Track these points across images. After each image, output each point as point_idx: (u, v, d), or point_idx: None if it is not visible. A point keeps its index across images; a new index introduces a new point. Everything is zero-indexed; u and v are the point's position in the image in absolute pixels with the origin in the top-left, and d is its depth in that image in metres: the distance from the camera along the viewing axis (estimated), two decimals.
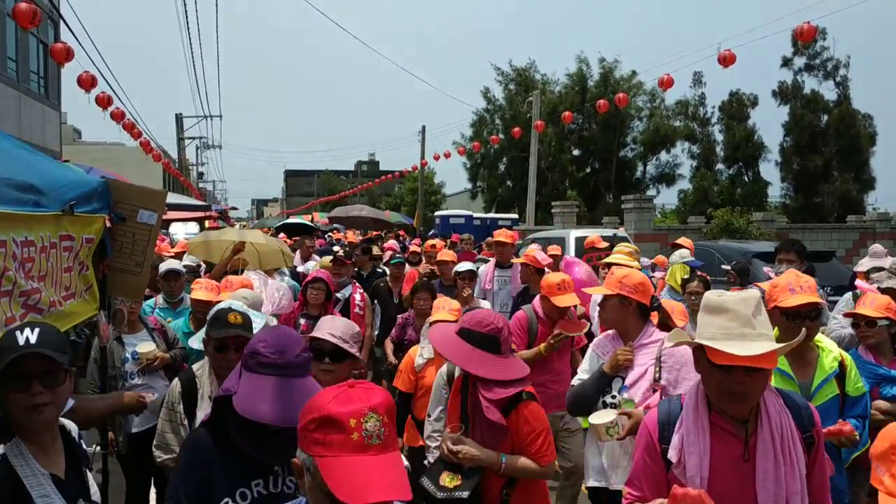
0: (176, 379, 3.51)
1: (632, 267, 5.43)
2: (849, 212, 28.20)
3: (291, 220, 24.36)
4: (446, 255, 8.37)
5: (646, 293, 3.70)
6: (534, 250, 7.02)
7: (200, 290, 5.17)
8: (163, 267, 5.91)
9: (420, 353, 4.86)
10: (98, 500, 2.35)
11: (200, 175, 59.98)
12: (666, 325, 5.03)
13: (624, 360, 3.55)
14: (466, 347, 3.03)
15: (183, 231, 20.20)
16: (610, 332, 3.83)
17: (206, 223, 23.16)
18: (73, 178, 3.13)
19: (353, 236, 19.31)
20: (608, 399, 3.55)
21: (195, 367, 3.51)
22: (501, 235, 8.15)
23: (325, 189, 73.71)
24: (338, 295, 7.04)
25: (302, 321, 6.08)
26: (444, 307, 4.99)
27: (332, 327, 3.10)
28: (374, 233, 20.49)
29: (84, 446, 2.40)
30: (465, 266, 7.01)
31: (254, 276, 6.91)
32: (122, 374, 4.66)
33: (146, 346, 4.67)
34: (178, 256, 8.16)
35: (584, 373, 3.79)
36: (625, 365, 3.56)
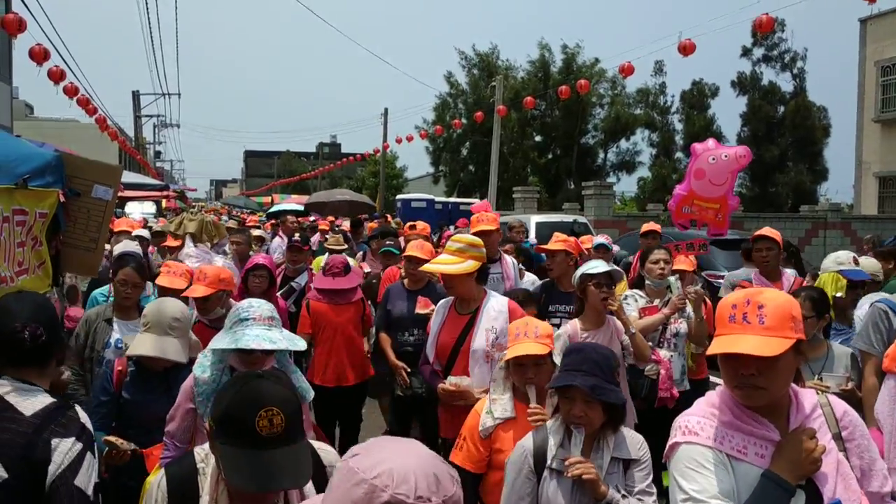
0: (161, 472, 2.24)
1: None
2: (802, 202, 28.88)
3: (283, 205, 23.35)
4: (418, 248, 5.46)
5: None
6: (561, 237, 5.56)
7: (169, 275, 4.67)
8: (117, 249, 5.46)
9: (488, 410, 3.21)
10: None
11: (158, 154, 58.92)
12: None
13: (820, 454, 1.91)
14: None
15: (139, 211, 19.86)
16: (707, 402, 2.11)
17: (163, 203, 22.80)
18: (26, 151, 3.07)
19: (324, 223, 18.97)
20: None
21: (198, 453, 2.21)
22: (484, 222, 5.73)
23: (286, 170, 72.94)
24: (293, 283, 6.91)
25: None
26: (528, 331, 3.18)
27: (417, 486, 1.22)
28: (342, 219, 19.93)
29: None
30: (596, 267, 4.32)
31: (194, 251, 6.71)
32: (101, 358, 4.13)
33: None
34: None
35: (701, 495, 1.92)
36: (818, 465, 1.92)
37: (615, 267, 4.45)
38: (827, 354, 4.10)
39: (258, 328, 2.82)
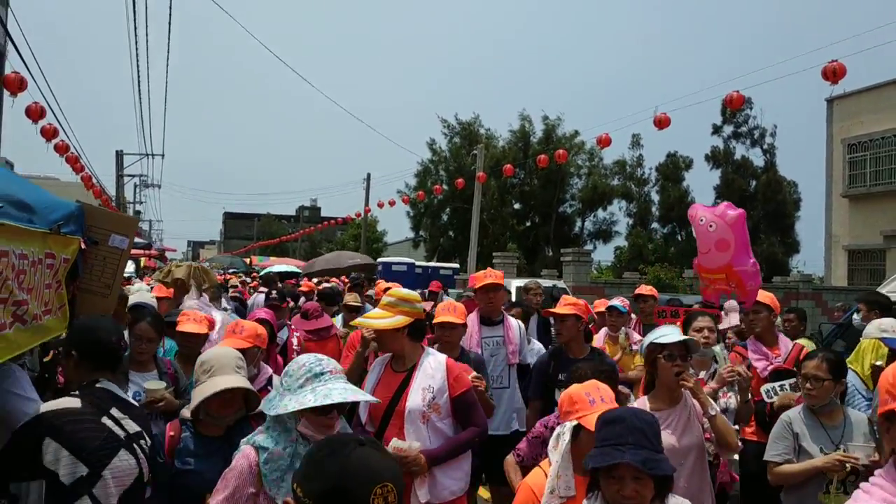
0: None
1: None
2: (774, 273, 29.59)
3: (279, 266, 23.05)
4: (450, 311, 4.75)
5: None
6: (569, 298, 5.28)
7: (188, 322, 4.75)
8: (132, 298, 5.47)
9: (552, 488, 2.82)
10: None
11: (137, 214, 58.91)
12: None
13: None
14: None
15: None
16: (880, 486, 1.83)
17: (143, 261, 22.87)
18: (56, 200, 3.30)
19: (308, 285, 19.01)
20: None
21: None
22: (490, 276, 5.57)
23: (266, 233, 73.14)
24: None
25: None
26: (604, 396, 2.90)
27: None
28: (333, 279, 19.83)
29: None
30: (667, 336, 3.76)
31: (196, 303, 6.72)
32: None
33: (155, 383, 4.21)
34: None
35: None
36: None
37: (689, 337, 3.94)
38: (844, 422, 3.86)
39: (338, 381, 2.58)
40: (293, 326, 7.29)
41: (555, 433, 2.95)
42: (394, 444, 3.47)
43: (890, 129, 24.53)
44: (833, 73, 10.65)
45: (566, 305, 5.10)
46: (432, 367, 3.80)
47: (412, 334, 3.84)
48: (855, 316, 6.49)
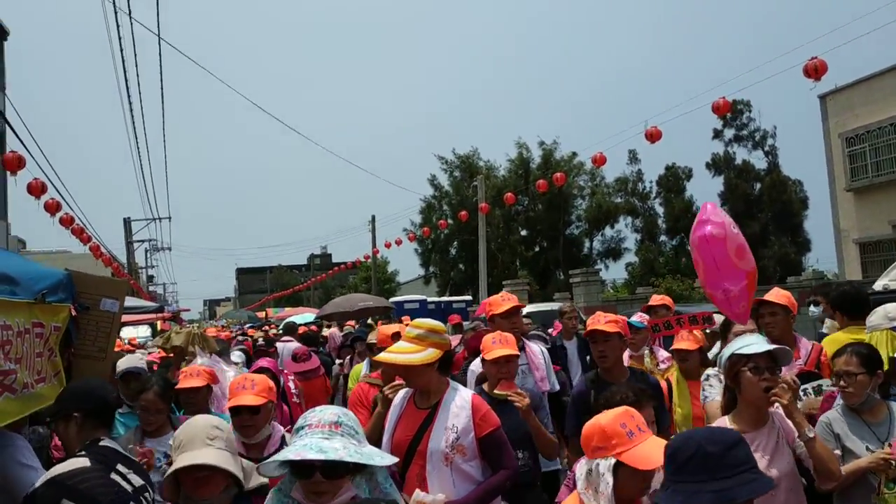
0: None
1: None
2: (789, 273, 29.48)
3: (299, 317, 23.18)
4: (505, 342, 4.26)
5: None
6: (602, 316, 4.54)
7: (184, 378, 4.59)
8: (121, 366, 5.43)
9: None
10: None
11: (150, 278, 59.35)
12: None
13: None
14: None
15: (134, 334, 19.97)
16: None
17: (158, 324, 22.98)
18: (42, 270, 3.39)
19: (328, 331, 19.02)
20: None
21: None
22: (509, 300, 5.28)
23: (279, 284, 73.57)
24: None
25: None
26: (646, 428, 2.54)
27: None
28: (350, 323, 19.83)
29: None
30: (751, 345, 3.33)
31: (206, 361, 6.74)
32: None
33: None
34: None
35: None
36: None
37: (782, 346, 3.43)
38: (889, 416, 3.63)
39: (312, 436, 2.13)
40: (286, 371, 7.28)
41: (581, 473, 2.52)
42: (416, 497, 3.23)
43: (886, 119, 24.51)
44: (815, 70, 10.71)
45: (608, 323, 4.42)
46: (457, 405, 3.54)
47: (440, 368, 3.59)
48: (812, 308, 6.52)
